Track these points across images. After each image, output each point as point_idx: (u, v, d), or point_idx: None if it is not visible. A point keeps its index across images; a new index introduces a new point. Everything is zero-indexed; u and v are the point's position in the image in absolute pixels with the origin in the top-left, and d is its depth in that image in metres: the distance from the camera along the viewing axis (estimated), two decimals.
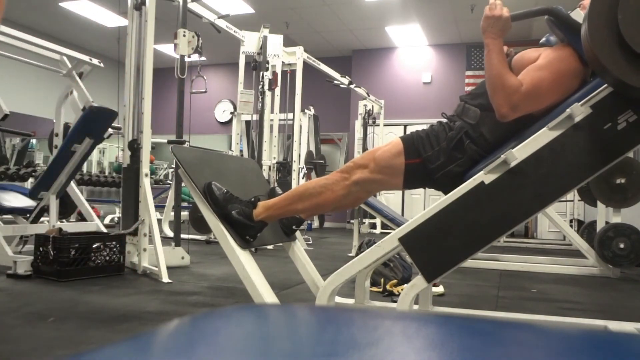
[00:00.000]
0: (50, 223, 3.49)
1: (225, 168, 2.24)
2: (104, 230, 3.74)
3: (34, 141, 8.78)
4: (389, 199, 8.32)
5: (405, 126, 8.39)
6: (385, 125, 8.04)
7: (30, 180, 5.59)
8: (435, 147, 1.73)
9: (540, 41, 1.85)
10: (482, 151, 1.71)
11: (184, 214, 5.32)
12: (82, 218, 4.24)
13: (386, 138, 7.69)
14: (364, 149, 7.36)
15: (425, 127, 1.84)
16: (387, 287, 2.76)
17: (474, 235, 1.62)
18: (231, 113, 8.42)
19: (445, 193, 1.79)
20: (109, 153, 10.12)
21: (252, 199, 1.92)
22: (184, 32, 3.44)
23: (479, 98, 1.72)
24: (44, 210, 3.62)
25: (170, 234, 4.73)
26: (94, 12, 7.64)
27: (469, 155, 1.70)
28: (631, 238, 3.55)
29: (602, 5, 1.38)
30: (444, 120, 1.81)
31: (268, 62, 4.94)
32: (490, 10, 1.62)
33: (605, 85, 1.51)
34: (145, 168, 3.20)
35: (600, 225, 3.88)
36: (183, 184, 3.27)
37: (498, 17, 1.61)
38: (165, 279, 2.88)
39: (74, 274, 2.82)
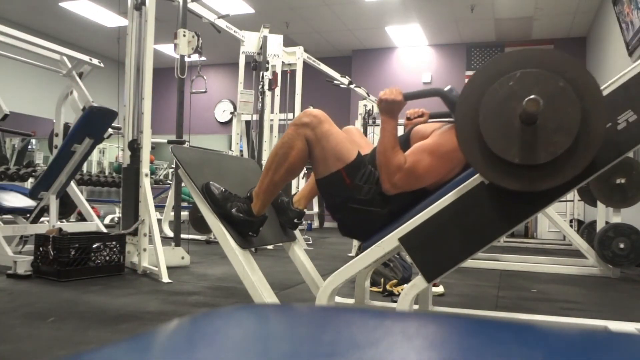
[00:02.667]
0: (50, 223, 3.49)
1: (225, 168, 2.25)
2: (104, 230, 3.74)
3: (34, 141, 8.78)
4: None
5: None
6: None
7: (30, 180, 5.59)
8: (367, 183, 1.77)
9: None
10: (391, 215, 1.76)
11: (184, 214, 5.32)
12: (82, 218, 4.24)
13: None
14: None
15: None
16: (387, 287, 2.76)
17: (474, 235, 1.62)
18: (231, 113, 8.43)
19: (340, 228, 1.91)
20: (109, 153, 10.12)
21: (249, 194, 1.93)
22: (184, 32, 3.44)
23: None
24: (44, 210, 3.62)
25: (170, 234, 4.73)
26: (94, 12, 7.64)
27: (387, 211, 1.76)
28: (631, 238, 3.55)
29: (467, 100, 1.45)
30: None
31: (268, 62, 4.94)
32: (385, 94, 1.73)
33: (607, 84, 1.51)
34: (145, 168, 3.20)
35: (600, 225, 3.88)
36: (183, 184, 3.27)
37: (392, 101, 1.73)
38: (165, 279, 2.88)
39: (74, 274, 2.82)
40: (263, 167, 5.03)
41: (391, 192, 1.72)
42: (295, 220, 2.17)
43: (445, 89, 1.75)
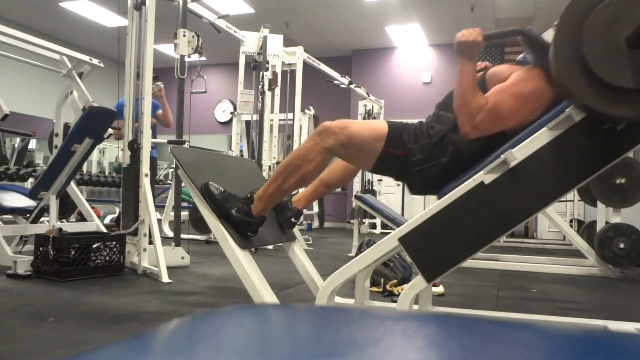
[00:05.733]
0: (50, 223, 3.49)
1: (225, 168, 2.25)
2: (104, 230, 3.74)
3: (34, 141, 8.78)
4: (389, 198, 8.33)
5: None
6: None
7: (30, 180, 5.59)
8: (419, 141, 1.73)
9: (518, 58, 1.89)
10: (456, 161, 1.72)
11: (184, 214, 5.32)
12: (82, 218, 4.24)
13: None
14: None
15: None
16: (387, 287, 2.76)
17: (474, 235, 1.62)
18: (231, 113, 8.42)
19: (411, 188, 1.83)
20: (109, 153, 10.12)
21: (249, 195, 1.93)
22: (184, 32, 3.44)
23: (451, 107, 1.74)
24: (44, 210, 3.62)
25: (170, 234, 4.73)
26: (94, 12, 7.64)
27: (449, 159, 1.71)
28: (631, 238, 3.55)
29: (566, 30, 1.42)
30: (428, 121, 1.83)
31: (268, 62, 4.94)
32: (463, 36, 1.66)
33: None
34: (145, 168, 3.20)
35: (600, 225, 3.88)
36: (183, 184, 3.27)
37: (471, 42, 1.65)
38: (165, 279, 2.87)
39: (74, 274, 2.82)
40: (262, 167, 5.02)
41: (471, 136, 1.65)
42: (293, 220, 2.17)
43: (527, 27, 1.68)
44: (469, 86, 1.64)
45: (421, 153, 1.72)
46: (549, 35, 1.60)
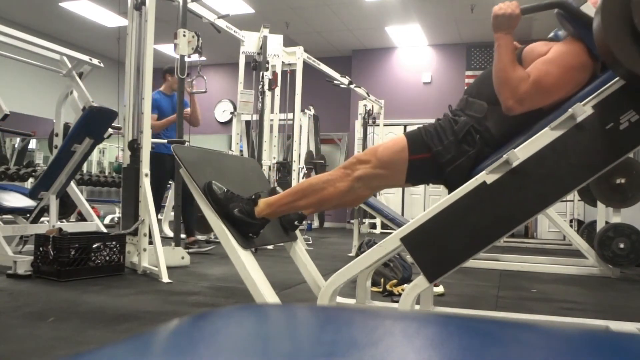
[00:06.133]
0: (50, 223, 3.49)
1: (226, 167, 2.25)
2: (104, 230, 3.74)
3: (34, 141, 8.78)
4: (389, 198, 8.32)
5: (405, 126, 8.37)
6: (385, 125, 8.03)
7: (30, 180, 5.59)
8: (444, 141, 1.71)
9: (549, 36, 1.85)
10: (488, 147, 1.70)
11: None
12: (82, 218, 4.24)
13: (386, 138, 7.69)
14: (364, 149, 7.36)
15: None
16: (387, 287, 2.76)
17: (476, 235, 1.62)
18: (231, 113, 8.43)
19: (452, 189, 1.78)
20: (109, 153, 10.12)
21: (253, 196, 1.92)
22: (184, 32, 3.44)
23: (484, 91, 1.71)
24: (44, 210, 3.62)
25: (170, 234, 4.73)
26: (94, 12, 7.64)
27: (478, 148, 1.69)
28: (631, 238, 3.55)
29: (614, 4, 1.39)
30: (449, 114, 1.81)
31: (268, 62, 4.94)
32: (500, 9, 1.63)
33: (610, 83, 1.50)
34: (145, 168, 3.20)
35: (600, 225, 3.88)
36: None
37: (509, 15, 1.63)
38: (165, 279, 2.87)
39: (74, 274, 2.82)
40: (262, 167, 5.01)
41: (516, 111, 1.60)
42: (296, 223, 2.18)
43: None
44: (509, 60, 1.61)
45: (449, 153, 1.70)
46: (586, 9, 1.57)
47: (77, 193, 3.93)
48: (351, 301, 2.27)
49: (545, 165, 1.55)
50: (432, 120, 1.84)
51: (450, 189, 1.80)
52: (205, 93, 4.24)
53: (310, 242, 5.33)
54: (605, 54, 1.45)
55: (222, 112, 10.13)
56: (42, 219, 3.73)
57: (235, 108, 6.33)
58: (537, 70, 1.60)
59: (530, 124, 1.65)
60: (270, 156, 5.29)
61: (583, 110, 1.51)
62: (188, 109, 4.33)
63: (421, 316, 0.45)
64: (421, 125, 1.81)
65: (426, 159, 1.73)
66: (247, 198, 1.92)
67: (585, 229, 5.10)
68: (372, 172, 1.76)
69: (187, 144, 3.57)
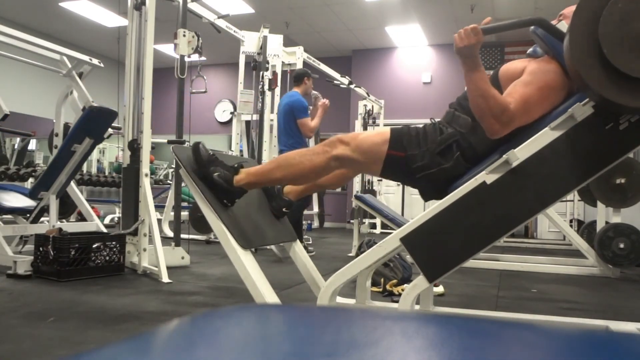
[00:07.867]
0: (50, 223, 3.49)
1: None
2: (104, 230, 3.74)
3: (34, 141, 8.78)
4: (389, 199, 8.32)
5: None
6: (385, 125, 8.02)
7: (30, 180, 5.59)
8: (422, 148, 1.72)
9: (528, 52, 1.86)
10: (467, 163, 1.71)
11: (184, 214, 5.32)
12: (82, 218, 4.24)
13: None
14: None
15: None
16: (387, 287, 2.76)
17: (476, 235, 1.62)
18: (231, 113, 8.41)
19: (422, 195, 1.82)
20: (109, 153, 10.12)
21: (236, 165, 1.92)
22: (184, 32, 3.44)
23: (468, 107, 1.71)
24: (44, 210, 3.62)
25: (170, 234, 4.73)
26: (94, 12, 7.64)
27: (453, 164, 1.70)
28: (631, 238, 3.55)
29: (582, 20, 1.39)
30: (437, 120, 1.82)
31: (268, 62, 4.94)
32: (462, 40, 1.59)
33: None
34: (145, 168, 3.20)
35: (600, 225, 3.88)
36: (183, 184, 3.27)
37: (472, 45, 1.58)
38: (165, 279, 2.87)
39: (74, 274, 2.82)
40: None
41: (502, 134, 1.60)
42: (284, 210, 2.20)
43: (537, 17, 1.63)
44: (486, 89, 1.58)
45: (421, 160, 1.71)
46: (562, 27, 1.58)
47: (77, 193, 3.93)
48: (351, 301, 2.27)
49: (545, 165, 1.55)
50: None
51: (423, 196, 1.82)
52: (205, 93, 4.24)
53: (310, 242, 5.32)
54: (574, 74, 1.47)
55: (222, 112, 10.13)
56: (42, 219, 3.73)
57: (235, 108, 6.33)
58: (519, 94, 1.60)
59: (507, 140, 1.65)
60: (270, 156, 5.28)
61: (582, 110, 1.51)
62: (306, 118, 4.23)
63: (421, 316, 0.45)
64: (406, 125, 1.82)
65: (400, 158, 1.74)
66: (229, 165, 1.92)
67: (585, 229, 5.10)
68: (349, 155, 1.76)
69: (186, 144, 3.57)
